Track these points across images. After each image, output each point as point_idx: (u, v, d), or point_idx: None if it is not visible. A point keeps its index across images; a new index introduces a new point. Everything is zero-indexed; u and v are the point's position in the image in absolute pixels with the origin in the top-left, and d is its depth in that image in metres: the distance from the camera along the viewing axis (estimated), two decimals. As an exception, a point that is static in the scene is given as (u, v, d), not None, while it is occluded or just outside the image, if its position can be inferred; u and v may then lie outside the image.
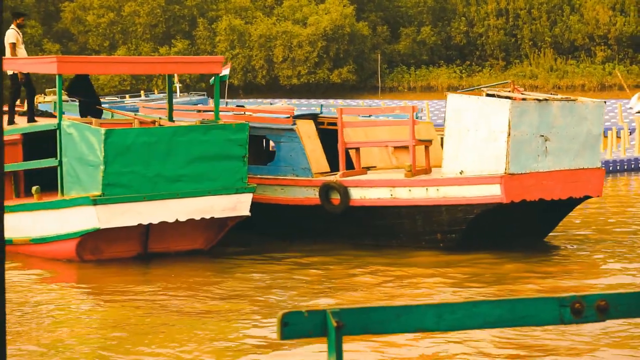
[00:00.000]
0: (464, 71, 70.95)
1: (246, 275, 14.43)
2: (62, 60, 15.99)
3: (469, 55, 73.55)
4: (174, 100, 48.24)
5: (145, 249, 15.33)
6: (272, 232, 17.09)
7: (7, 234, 15.89)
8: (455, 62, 72.73)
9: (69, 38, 75.60)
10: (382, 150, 18.03)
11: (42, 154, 16.38)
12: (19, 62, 16.50)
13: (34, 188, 15.60)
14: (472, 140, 15.49)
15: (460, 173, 15.60)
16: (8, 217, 15.85)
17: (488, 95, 15.98)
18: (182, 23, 70.84)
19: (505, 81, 17.75)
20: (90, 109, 17.54)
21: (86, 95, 17.79)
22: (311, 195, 16.72)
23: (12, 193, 16.53)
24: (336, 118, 17.86)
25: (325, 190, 16.44)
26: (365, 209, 16.33)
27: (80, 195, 14.81)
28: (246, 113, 18.01)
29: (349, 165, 17.18)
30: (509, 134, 15.21)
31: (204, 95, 56.01)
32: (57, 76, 15.35)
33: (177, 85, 52.42)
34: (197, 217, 15.12)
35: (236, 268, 15.08)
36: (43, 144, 16.59)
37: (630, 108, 44.58)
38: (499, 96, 15.86)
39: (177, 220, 14.98)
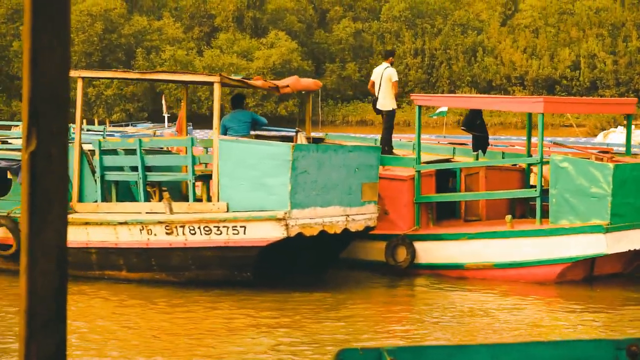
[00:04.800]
0: (391, 107, 74.23)
1: None
2: (548, 100, 17.47)
3: (387, 91, 76.81)
4: (162, 130, 48.41)
5: (591, 273, 17.01)
6: None
7: (457, 259, 17.27)
8: (377, 98, 75.96)
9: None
10: None
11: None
12: (491, 100, 17.72)
13: (507, 217, 16.92)
14: None
15: None
16: (464, 244, 17.22)
17: None
18: (118, 52, 70.71)
19: None
20: (482, 143, 19.02)
21: (480, 130, 19.23)
22: None
23: (430, 221, 17.85)
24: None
25: None
26: None
27: (573, 224, 16.28)
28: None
29: None
30: None
31: (189, 125, 56.38)
32: (540, 115, 16.82)
33: (166, 116, 52.70)
34: None
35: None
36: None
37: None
38: None
39: None
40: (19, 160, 16.26)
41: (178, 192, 16.87)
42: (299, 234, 14.58)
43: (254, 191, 14.53)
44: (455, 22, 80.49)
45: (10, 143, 19.07)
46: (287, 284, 15.47)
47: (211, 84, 15.41)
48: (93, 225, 15.29)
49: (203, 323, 13.21)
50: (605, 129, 58.25)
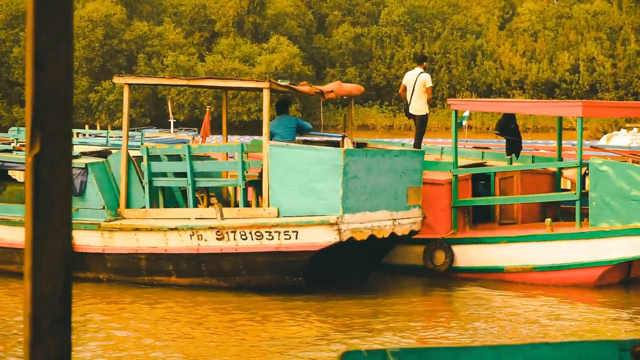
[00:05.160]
0: (392, 111, 74.48)
1: None
2: (587, 105, 17.62)
3: (386, 95, 77.07)
4: (168, 136, 48.62)
5: (628, 275, 17.19)
6: None
7: (497, 263, 17.40)
8: (377, 102, 76.08)
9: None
10: None
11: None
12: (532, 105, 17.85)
13: (547, 220, 17.05)
14: None
15: None
16: (504, 247, 17.36)
17: None
18: (119, 58, 70.76)
19: None
20: (515, 147, 19.16)
21: (514, 134, 19.37)
22: None
23: (467, 225, 18.00)
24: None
25: None
26: None
27: (614, 227, 16.36)
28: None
29: None
30: None
31: (195, 131, 56.59)
32: (578, 119, 16.97)
33: (172, 121, 52.85)
34: None
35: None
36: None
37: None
38: None
39: None
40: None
41: (220, 198, 16.98)
42: (350, 239, 14.71)
43: (303, 196, 14.64)
44: (454, 26, 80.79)
45: None
46: (329, 289, 15.59)
47: (260, 89, 15.53)
48: (143, 231, 15.37)
49: (258, 329, 13.29)
50: (607, 132, 58.64)
